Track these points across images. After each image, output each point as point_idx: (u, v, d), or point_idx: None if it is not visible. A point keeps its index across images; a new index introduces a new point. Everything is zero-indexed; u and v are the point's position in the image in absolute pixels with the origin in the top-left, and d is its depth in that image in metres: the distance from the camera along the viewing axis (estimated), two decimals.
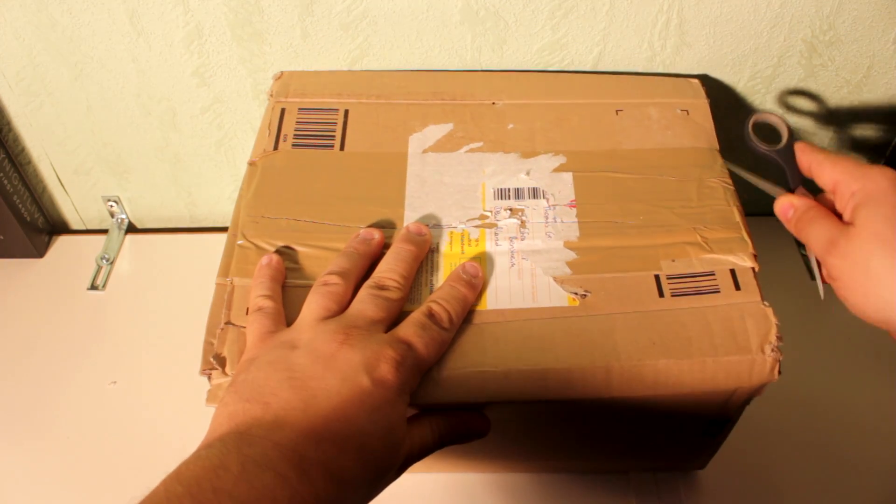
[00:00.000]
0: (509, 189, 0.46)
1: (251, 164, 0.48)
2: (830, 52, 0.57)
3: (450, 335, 0.39)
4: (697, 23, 0.55)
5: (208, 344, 0.40)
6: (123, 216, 0.69)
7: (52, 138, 0.63)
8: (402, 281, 0.40)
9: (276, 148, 0.49)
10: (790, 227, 0.42)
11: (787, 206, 0.42)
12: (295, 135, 0.49)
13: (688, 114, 0.51)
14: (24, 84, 0.59)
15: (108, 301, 0.64)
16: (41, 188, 0.67)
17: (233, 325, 0.40)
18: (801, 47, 0.56)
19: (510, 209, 0.45)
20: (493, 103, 0.51)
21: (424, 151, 0.49)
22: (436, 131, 0.50)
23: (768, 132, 0.46)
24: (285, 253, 0.43)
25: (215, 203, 0.69)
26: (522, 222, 0.45)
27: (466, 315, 0.40)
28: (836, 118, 0.62)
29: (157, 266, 0.66)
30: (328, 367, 0.35)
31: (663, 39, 0.56)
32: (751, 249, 0.43)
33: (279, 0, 0.53)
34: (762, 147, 0.45)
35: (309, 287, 0.40)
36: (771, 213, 0.44)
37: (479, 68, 0.57)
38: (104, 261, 0.66)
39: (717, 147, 0.49)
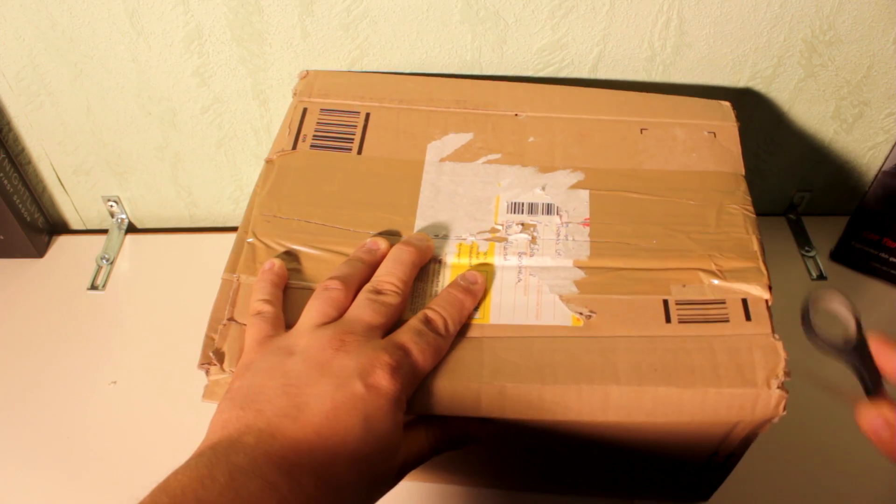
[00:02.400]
0: (523, 203, 0.46)
1: (268, 161, 0.48)
2: (830, 52, 0.57)
3: (446, 342, 0.38)
4: (697, 23, 0.54)
5: (209, 339, 0.40)
6: (123, 216, 0.69)
7: (52, 138, 0.63)
8: (400, 285, 0.40)
9: (294, 147, 0.49)
10: (885, 447, 0.34)
11: (879, 421, 0.34)
12: (314, 135, 0.49)
13: (715, 136, 0.49)
14: (24, 84, 0.59)
15: (108, 301, 0.64)
16: (41, 188, 0.67)
17: (235, 321, 0.40)
18: (801, 47, 0.56)
19: (522, 224, 0.45)
20: (516, 115, 0.51)
21: (442, 160, 0.48)
22: (455, 140, 0.49)
23: (826, 320, 0.39)
24: (293, 253, 0.43)
25: (215, 203, 0.69)
26: (533, 238, 0.44)
27: (466, 327, 0.40)
28: (836, 118, 0.62)
29: (157, 266, 0.66)
30: (323, 374, 0.35)
31: (663, 39, 0.56)
32: (766, 281, 0.41)
33: (279, 0, 0.53)
34: (827, 345, 0.37)
35: (313, 290, 0.40)
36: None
37: (479, 68, 0.57)
38: (104, 261, 0.66)
39: (743, 172, 0.48)
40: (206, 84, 0.58)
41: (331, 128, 0.50)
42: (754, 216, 0.45)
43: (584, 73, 0.58)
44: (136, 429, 0.55)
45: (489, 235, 0.44)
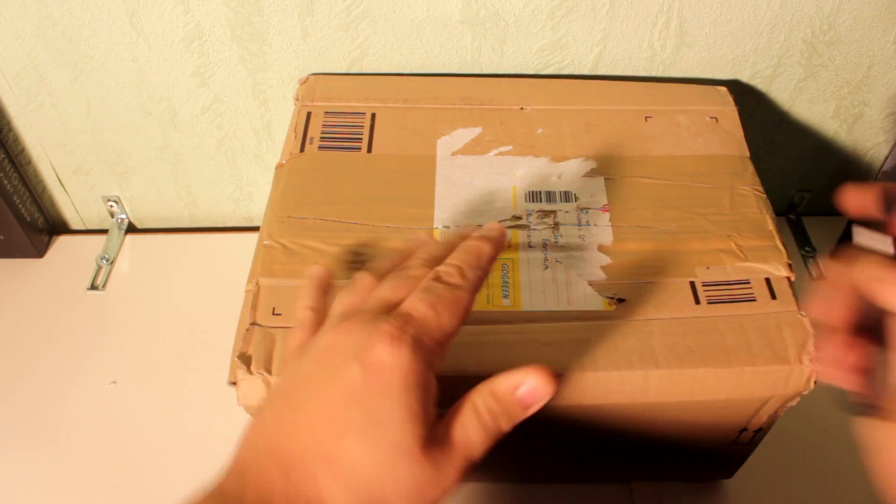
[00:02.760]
0: (540, 192, 0.46)
1: (279, 167, 0.48)
2: (830, 52, 0.57)
3: (465, 292, 0.31)
4: (697, 23, 0.54)
5: (236, 352, 0.39)
6: (123, 216, 0.69)
7: (52, 138, 0.63)
8: (461, 270, 0.32)
9: (302, 150, 0.49)
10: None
11: None
12: (322, 137, 0.49)
13: (717, 121, 0.51)
14: (24, 84, 0.59)
15: (108, 301, 0.63)
16: (41, 188, 0.67)
17: (258, 325, 0.40)
18: (801, 47, 0.56)
19: (543, 211, 0.45)
20: (522, 108, 0.51)
21: (453, 154, 0.48)
22: (464, 134, 0.49)
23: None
24: (313, 250, 0.43)
25: (215, 203, 0.69)
26: (555, 224, 0.44)
27: (501, 314, 0.38)
28: (836, 118, 0.62)
29: (157, 266, 0.66)
30: (321, 366, 0.29)
31: (663, 40, 0.56)
32: (785, 259, 0.42)
33: (279, 0, 0.53)
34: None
35: (340, 286, 0.40)
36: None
37: (479, 68, 0.57)
38: (104, 261, 0.66)
39: (748, 155, 0.49)
40: (206, 84, 0.58)
41: (338, 129, 0.50)
42: (765, 196, 0.46)
43: (584, 73, 0.58)
44: (135, 429, 0.55)
45: (511, 223, 0.44)
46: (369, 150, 0.49)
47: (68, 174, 0.66)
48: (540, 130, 0.50)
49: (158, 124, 0.62)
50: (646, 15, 0.54)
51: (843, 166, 0.66)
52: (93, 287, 0.64)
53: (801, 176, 0.67)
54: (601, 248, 0.43)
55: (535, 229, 0.44)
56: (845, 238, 0.64)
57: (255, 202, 0.69)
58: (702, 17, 0.54)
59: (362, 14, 0.54)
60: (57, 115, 0.61)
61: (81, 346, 0.60)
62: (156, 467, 0.52)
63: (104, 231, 0.70)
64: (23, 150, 0.64)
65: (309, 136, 0.49)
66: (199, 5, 0.53)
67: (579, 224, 0.44)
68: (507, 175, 0.47)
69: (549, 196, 0.46)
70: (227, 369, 0.39)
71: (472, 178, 0.47)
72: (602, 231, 0.44)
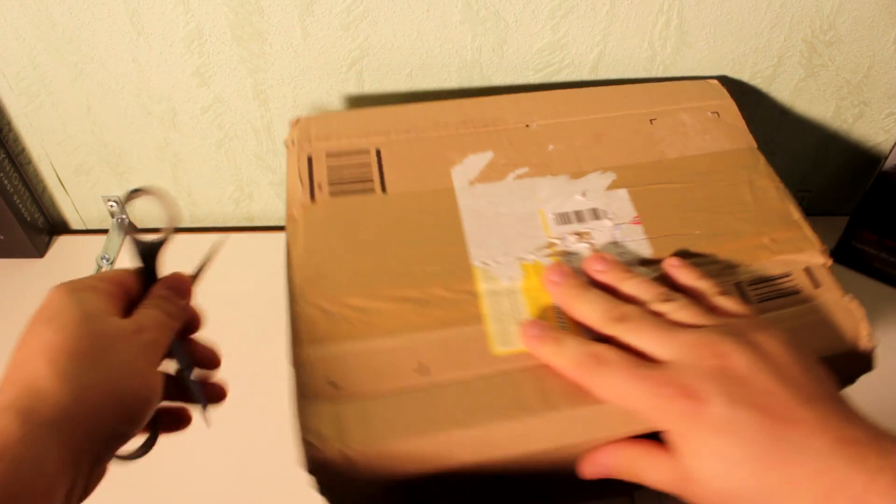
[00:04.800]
0: (569, 213, 0.45)
1: (291, 219, 0.45)
2: (830, 52, 0.57)
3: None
4: (697, 23, 0.55)
5: (302, 433, 0.36)
6: (123, 216, 0.69)
7: (52, 138, 0.63)
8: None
9: (313, 199, 0.45)
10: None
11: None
12: (330, 182, 0.46)
13: (718, 115, 0.51)
14: (24, 84, 0.59)
15: None
16: (41, 188, 0.67)
17: (318, 400, 0.37)
18: (801, 47, 0.56)
19: (577, 234, 0.44)
20: (527, 125, 0.50)
21: (471, 183, 0.46)
22: (477, 161, 0.48)
23: None
24: (357, 309, 0.40)
25: (215, 203, 0.69)
26: (592, 245, 0.43)
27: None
28: (836, 118, 0.62)
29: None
30: None
31: (663, 39, 0.56)
32: (819, 245, 0.43)
33: (279, 0, 0.53)
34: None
35: (392, 343, 0.38)
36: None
37: (479, 68, 0.57)
38: (104, 261, 0.66)
39: (756, 145, 0.49)
40: (206, 84, 0.58)
41: (344, 171, 0.47)
42: (783, 185, 0.46)
43: (584, 73, 0.58)
44: None
45: (549, 251, 0.43)
46: (384, 191, 0.46)
47: (68, 174, 0.66)
48: (551, 147, 0.49)
49: (158, 124, 0.62)
50: (646, 15, 0.54)
51: (844, 166, 0.66)
52: None
53: (801, 176, 0.67)
54: (644, 263, 0.42)
55: (574, 253, 0.43)
56: (845, 238, 0.64)
57: (255, 202, 0.69)
58: (702, 16, 0.54)
59: (362, 14, 0.54)
60: (57, 115, 0.61)
61: None
62: (155, 466, 0.52)
63: (104, 231, 0.70)
64: (23, 150, 0.64)
65: (316, 182, 0.46)
66: (199, 5, 0.53)
67: (615, 241, 0.43)
68: (531, 199, 0.45)
69: (579, 216, 0.45)
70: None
71: (498, 208, 0.45)
72: (640, 245, 0.43)
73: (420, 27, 0.54)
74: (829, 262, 0.42)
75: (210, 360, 0.39)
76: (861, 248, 0.63)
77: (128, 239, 0.40)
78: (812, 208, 0.69)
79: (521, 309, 0.40)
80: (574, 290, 0.39)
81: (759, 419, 0.31)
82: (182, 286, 0.39)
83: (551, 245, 0.43)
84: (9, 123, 0.62)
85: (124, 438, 0.33)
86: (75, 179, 0.67)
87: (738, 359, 0.33)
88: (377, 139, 0.49)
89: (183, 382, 0.37)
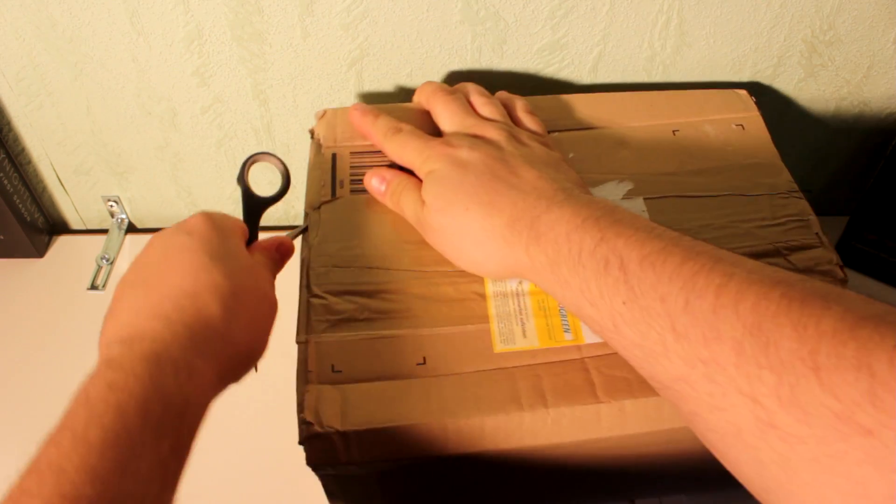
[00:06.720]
0: None
1: (311, 211, 0.46)
2: (830, 52, 0.57)
3: None
4: (697, 23, 0.55)
5: (299, 415, 0.37)
6: (123, 216, 0.69)
7: (52, 138, 0.63)
8: None
9: (334, 195, 0.47)
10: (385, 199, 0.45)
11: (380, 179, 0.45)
12: (352, 180, 0.47)
13: (743, 128, 0.50)
14: (24, 84, 0.59)
15: (108, 301, 0.63)
16: (41, 188, 0.67)
17: (318, 384, 0.38)
18: (801, 47, 0.56)
19: None
20: (549, 132, 0.49)
21: None
22: None
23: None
24: (363, 304, 0.41)
25: (215, 203, 0.69)
26: None
27: (563, 349, 0.39)
28: (836, 118, 0.62)
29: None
30: None
31: (663, 40, 0.56)
32: (836, 261, 0.42)
33: (279, 0, 0.53)
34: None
35: (395, 336, 0.39)
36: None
37: (480, 68, 0.57)
38: (104, 261, 0.66)
39: (779, 159, 0.48)
40: (206, 84, 0.58)
41: (366, 170, 0.47)
42: (804, 199, 0.46)
43: (584, 74, 0.58)
44: None
45: None
46: None
47: (68, 174, 0.66)
48: (571, 155, 0.48)
49: (158, 124, 0.62)
50: (646, 15, 0.54)
51: (844, 166, 0.66)
52: (93, 287, 0.65)
53: (801, 175, 0.67)
54: None
55: None
56: (846, 238, 0.64)
57: None
58: (702, 17, 0.54)
59: (362, 14, 0.54)
60: (57, 115, 0.61)
61: (82, 346, 0.60)
62: None
63: (104, 231, 0.70)
64: (23, 150, 0.64)
65: (339, 179, 0.47)
66: (199, 5, 0.53)
67: None
68: None
69: None
70: None
71: None
72: None
73: (420, 27, 0.54)
74: (846, 277, 0.42)
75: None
76: (861, 247, 0.63)
77: (241, 192, 0.44)
78: (812, 208, 0.69)
79: (527, 310, 0.41)
80: (373, 115, 0.47)
81: (488, 163, 0.40)
82: (288, 253, 0.44)
83: None
84: (9, 123, 0.62)
85: (254, 362, 0.38)
86: (75, 179, 0.67)
87: (496, 134, 0.43)
88: None
89: None
